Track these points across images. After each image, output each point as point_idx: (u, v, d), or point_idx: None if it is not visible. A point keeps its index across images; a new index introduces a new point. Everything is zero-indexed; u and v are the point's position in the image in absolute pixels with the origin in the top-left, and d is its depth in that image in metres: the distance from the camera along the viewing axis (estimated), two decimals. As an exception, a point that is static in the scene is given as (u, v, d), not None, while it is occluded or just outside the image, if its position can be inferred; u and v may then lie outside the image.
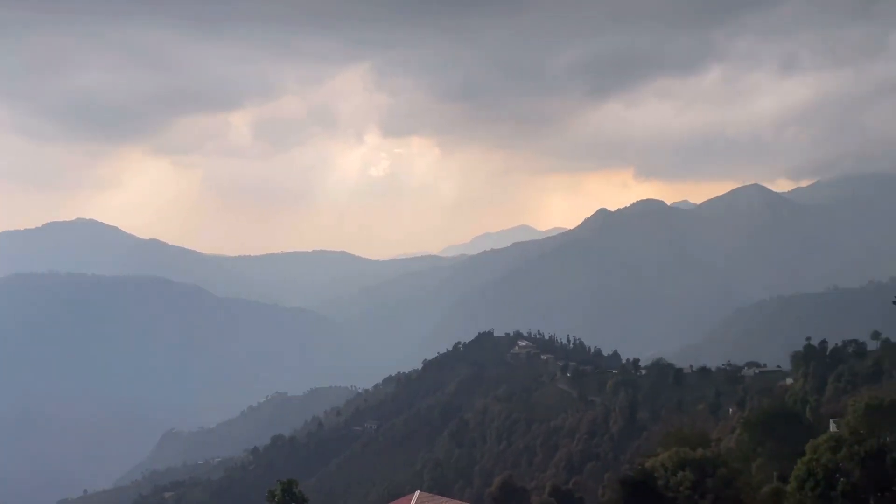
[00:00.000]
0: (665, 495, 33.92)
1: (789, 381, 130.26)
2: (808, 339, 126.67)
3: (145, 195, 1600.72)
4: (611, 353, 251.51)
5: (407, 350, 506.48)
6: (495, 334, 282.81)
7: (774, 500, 28.90)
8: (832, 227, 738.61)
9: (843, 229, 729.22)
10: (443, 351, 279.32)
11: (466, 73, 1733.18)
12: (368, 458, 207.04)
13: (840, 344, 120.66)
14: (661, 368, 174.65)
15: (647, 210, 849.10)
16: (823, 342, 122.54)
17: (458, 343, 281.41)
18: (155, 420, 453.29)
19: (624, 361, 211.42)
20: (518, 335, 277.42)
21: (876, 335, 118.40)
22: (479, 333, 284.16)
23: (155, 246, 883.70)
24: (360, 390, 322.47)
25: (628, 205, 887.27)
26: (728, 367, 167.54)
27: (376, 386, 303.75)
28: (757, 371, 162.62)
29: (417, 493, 35.11)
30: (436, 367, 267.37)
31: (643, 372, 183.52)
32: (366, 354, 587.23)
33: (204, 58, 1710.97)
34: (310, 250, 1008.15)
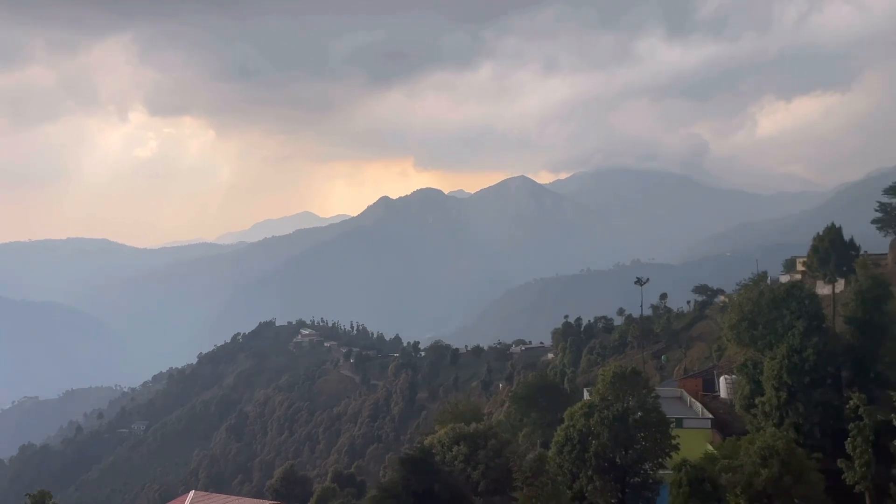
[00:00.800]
0: (442, 470, 35.55)
1: (550, 355, 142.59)
2: (566, 317, 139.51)
3: None
4: (393, 337, 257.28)
5: (180, 345, 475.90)
6: (277, 324, 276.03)
7: (538, 465, 31.63)
8: (586, 216, 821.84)
9: (595, 217, 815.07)
10: (220, 343, 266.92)
11: (243, 53, 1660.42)
12: (137, 460, 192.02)
13: (592, 320, 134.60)
14: (439, 350, 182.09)
15: (426, 198, 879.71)
16: (578, 319, 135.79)
17: (238, 334, 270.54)
18: None
19: (405, 345, 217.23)
20: (301, 323, 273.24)
21: (621, 311, 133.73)
22: (260, 323, 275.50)
23: None
24: (125, 390, 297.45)
25: (409, 193, 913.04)
26: (499, 346, 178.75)
27: (145, 384, 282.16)
28: (523, 348, 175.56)
29: (192, 493, 33.14)
30: (212, 360, 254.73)
31: (423, 354, 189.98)
32: (132, 352, 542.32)
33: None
34: (64, 238, 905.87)
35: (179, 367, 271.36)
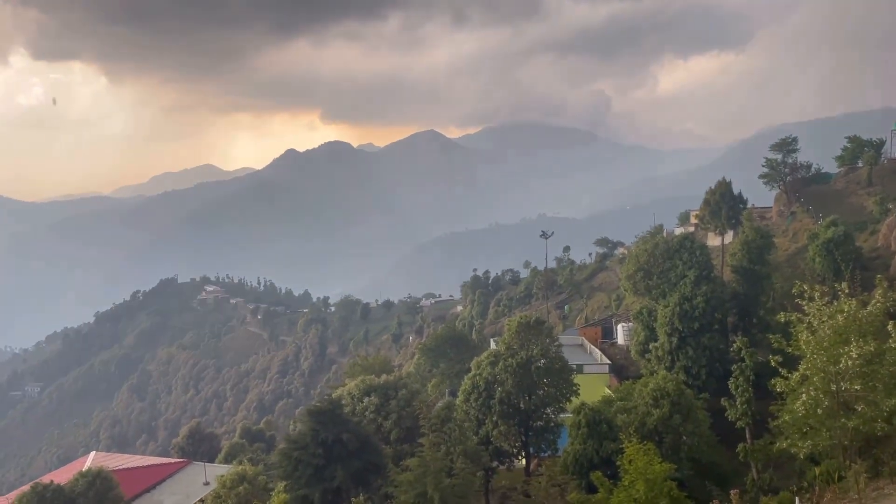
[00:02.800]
0: (351, 420, 35.95)
1: (459, 308, 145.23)
2: (475, 270, 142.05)
3: None
4: (302, 292, 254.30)
5: (74, 304, 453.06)
6: (179, 280, 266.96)
7: (446, 413, 32.54)
8: (494, 170, 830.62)
9: (503, 172, 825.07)
10: (119, 302, 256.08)
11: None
12: (32, 424, 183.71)
13: (500, 273, 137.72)
14: (349, 304, 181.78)
15: (334, 151, 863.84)
16: (486, 272, 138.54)
17: (137, 292, 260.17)
18: None
19: (315, 300, 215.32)
20: (205, 280, 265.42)
21: (527, 264, 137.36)
22: (161, 280, 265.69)
23: None
24: (17, 351, 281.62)
25: (316, 146, 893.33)
26: (409, 299, 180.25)
27: (38, 345, 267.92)
28: (433, 301, 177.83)
29: (92, 454, 32.22)
30: (111, 319, 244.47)
31: (333, 309, 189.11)
32: (20, 312, 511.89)
33: None
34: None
35: (75, 326, 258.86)
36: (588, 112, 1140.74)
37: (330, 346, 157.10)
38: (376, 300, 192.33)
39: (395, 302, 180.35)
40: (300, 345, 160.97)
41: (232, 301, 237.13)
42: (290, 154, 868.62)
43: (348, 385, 46.46)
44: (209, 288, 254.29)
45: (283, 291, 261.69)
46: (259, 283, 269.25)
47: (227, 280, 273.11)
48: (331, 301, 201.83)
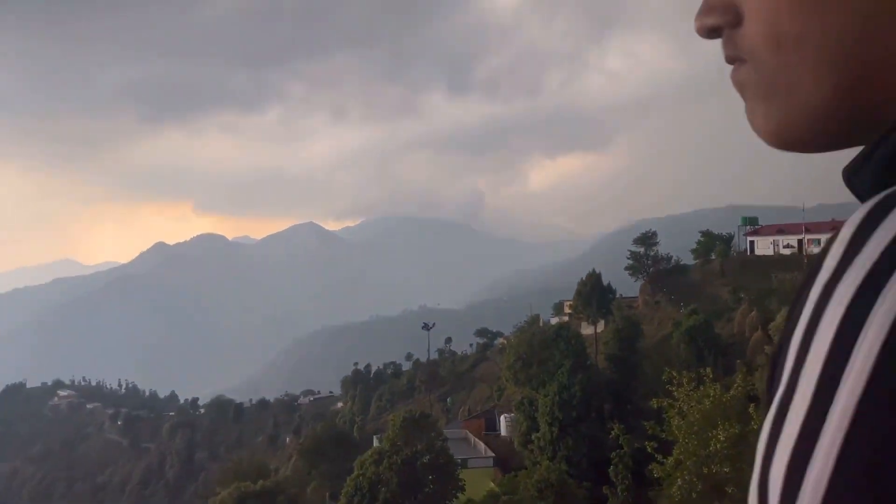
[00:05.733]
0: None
1: (340, 404, 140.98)
2: (356, 364, 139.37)
3: None
4: (168, 394, 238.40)
5: None
6: (29, 385, 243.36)
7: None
8: (374, 263, 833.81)
9: (383, 264, 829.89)
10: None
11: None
12: None
13: (381, 366, 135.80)
14: (220, 405, 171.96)
15: (207, 245, 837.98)
16: (368, 366, 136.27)
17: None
18: None
19: (182, 402, 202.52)
20: (59, 384, 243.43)
21: (409, 356, 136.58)
22: (7, 386, 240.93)
23: None
24: None
25: (188, 239, 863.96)
26: (286, 397, 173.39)
27: None
28: (312, 398, 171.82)
29: None
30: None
31: (202, 411, 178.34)
32: None
33: None
34: None
35: None
36: (464, 206, 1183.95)
37: (199, 452, 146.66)
38: (250, 399, 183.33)
39: (271, 401, 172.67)
40: (165, 451, 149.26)
41: (89, 406, 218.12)
42: (160, 247, 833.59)
43: (221, 494, 43.29)
44: (63, 392, 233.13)
45: (147, 394, 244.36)
46: (120, 386, 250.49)
47: (83, 383, 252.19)
48: (200, 402, 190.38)
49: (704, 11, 0.80)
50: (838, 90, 0.70)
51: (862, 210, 0.64)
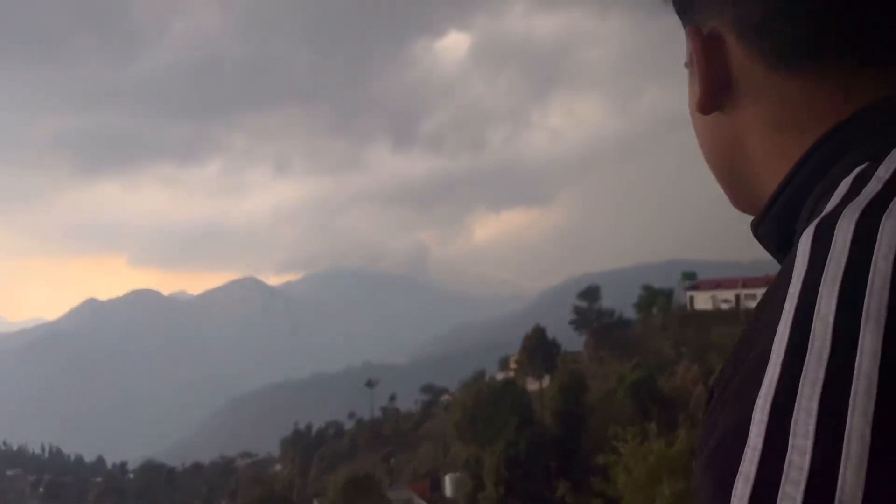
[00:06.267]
0: None
1: (279, 466, 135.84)
2: (296, 423, 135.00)
3: None
4: (95, 458, 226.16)
5: None
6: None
7: None
8: (316, 318, 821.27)
9: (325, 320, 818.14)
10: None
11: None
12: None
13: (323, 426, 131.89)
14: (151, 469, 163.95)
15: (141, 300, 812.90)
16: (309, 426, 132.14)
17: None
18: None
19: (110, 466, 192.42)
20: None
21: (352, 415, 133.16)
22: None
23: None
24: None
25: (121, 294, 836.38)
26: (221, 460, 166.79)
27: None
28: (249, 461, 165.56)
29: None
30: None
31: (131, 476, 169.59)
32: None
33: None
34: None
35: None
36: (409, 259, 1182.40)
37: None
38: (183, 463, 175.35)
39: (206, 464, 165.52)
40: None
41: (9, 472, 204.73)
42: (91, 303, 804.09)
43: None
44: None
45: (73, 458, 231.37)
46: (43, 450, 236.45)
47: (3, 447, 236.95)
48: (129, 467, 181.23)
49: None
50: (727, 188, 0.94)
51: (810, 228, 0.70)
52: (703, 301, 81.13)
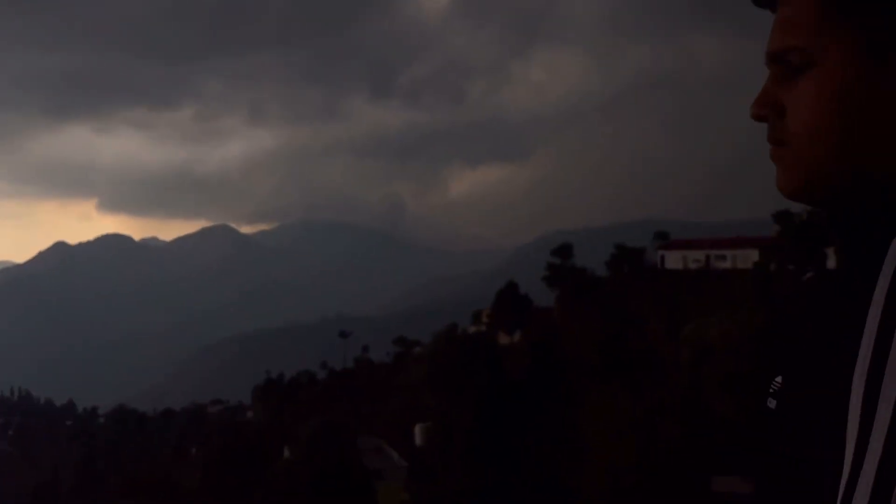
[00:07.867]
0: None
1: (250, 414, 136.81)
2: (268, 372, 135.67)
3: None
4: (65, 402, 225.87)
5: None
6: None
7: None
8: (290, 268, 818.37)
9: (298, 270, 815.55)
10: None
11: None
12: None
13: (295, 375, 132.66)
14: (122, 414, 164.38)
15: (112, 245, 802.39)
16: (281, 374, 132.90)
17: None
18: None
19: (81, 410, 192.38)
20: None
21: (324, 365, 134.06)
22: None
23: None
24: None
25: (91, 239, 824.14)
26: (193, 407, 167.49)
27: None
28: (221, 408, 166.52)
29: None
30: None
31: (102, 420, 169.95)
32: None
33: None
34: None
35: None
36: (384, 213, 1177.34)
37: (98, 463, 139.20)
38: (154, 409, 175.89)
39: (178, 410, 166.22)
40: (60, 463, 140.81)
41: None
42: (60, 247, 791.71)
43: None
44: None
45: (42, 401, 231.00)
46: (12, 393, 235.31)
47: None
48: (100, 411, 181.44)
49: (758, 103, 1.14)
50: (844, 166, 1.07)
51: None
52: (673, 260, 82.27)
